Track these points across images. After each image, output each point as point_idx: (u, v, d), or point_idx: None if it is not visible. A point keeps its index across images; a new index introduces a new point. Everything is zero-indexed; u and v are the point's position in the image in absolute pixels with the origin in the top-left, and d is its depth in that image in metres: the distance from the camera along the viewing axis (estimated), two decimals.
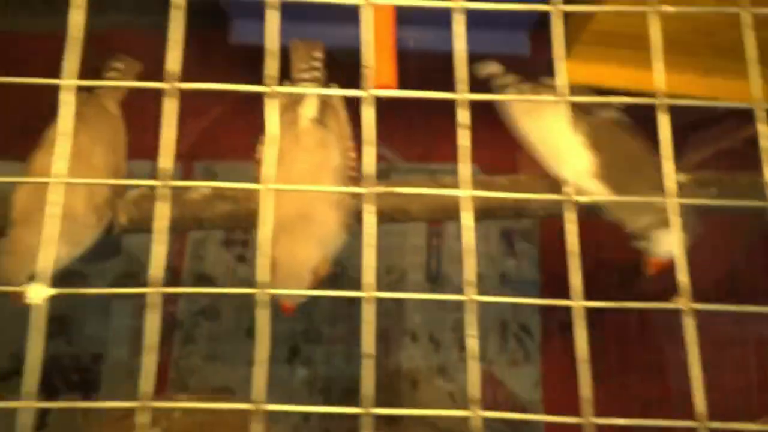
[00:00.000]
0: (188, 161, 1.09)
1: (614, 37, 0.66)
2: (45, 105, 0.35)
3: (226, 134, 1.02)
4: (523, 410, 1.04)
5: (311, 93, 0.53)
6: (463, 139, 0.26)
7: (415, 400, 1.07)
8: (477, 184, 0.37)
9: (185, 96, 0.25)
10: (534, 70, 0.61)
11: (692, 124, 0.76)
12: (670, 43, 0.29)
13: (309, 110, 0.54)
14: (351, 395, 0.98)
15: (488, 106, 0.45)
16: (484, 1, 0.27)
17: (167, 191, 0.25)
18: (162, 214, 0.25)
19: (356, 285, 0.26)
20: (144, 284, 0.25)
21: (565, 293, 0.26)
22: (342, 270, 1.03)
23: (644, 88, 0.61)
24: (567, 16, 0.28)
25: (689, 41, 0.59)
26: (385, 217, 0.48)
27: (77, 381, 1.03)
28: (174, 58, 0.25)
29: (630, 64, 0.66)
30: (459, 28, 0.27)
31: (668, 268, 0.37)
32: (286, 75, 0.53)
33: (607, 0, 0.65)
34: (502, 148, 0.65)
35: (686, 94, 0.65)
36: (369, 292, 0.25)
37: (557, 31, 0.28)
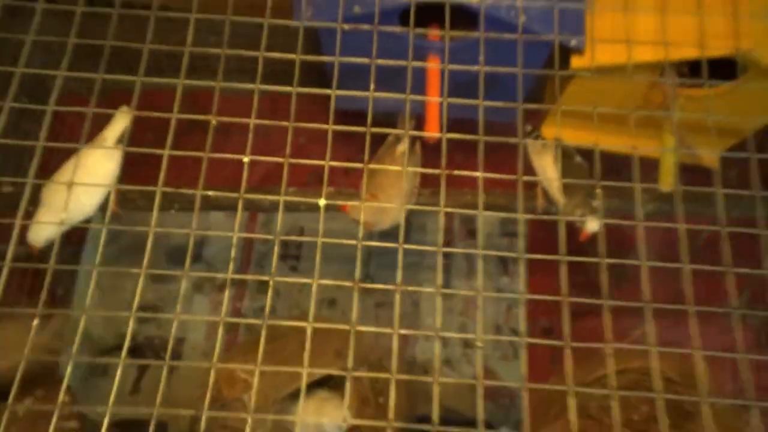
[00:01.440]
0: None
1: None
2: None
3: None
4: (511, 397, 1.31)
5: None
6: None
7: (427, 384, 1.33)
8: None
9: None
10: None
11: None
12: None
13: (402, 147, 0.84)
14: None
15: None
16: None
17: None
18: None
19: None
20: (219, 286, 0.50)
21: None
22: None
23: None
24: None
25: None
26: None
27: (164, 357, 1.31)
28: None
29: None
30: None
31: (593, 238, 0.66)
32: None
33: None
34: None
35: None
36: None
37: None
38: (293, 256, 1.37)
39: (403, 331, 0.55)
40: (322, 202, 0.58)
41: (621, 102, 0.78)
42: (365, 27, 0.65)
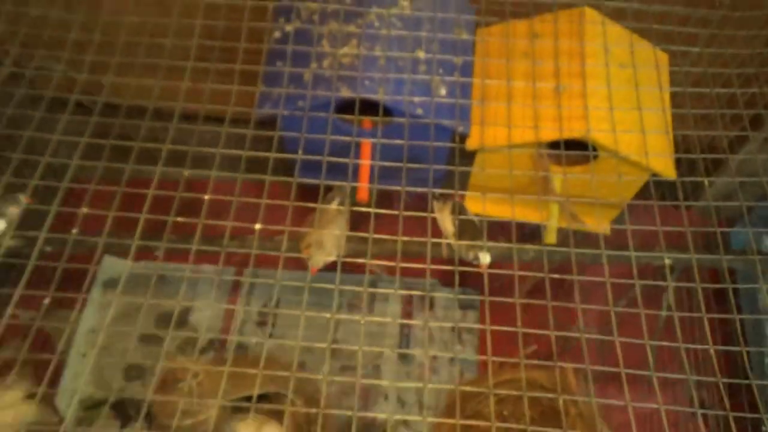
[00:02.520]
0: None
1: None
2: None
3: None
4: None
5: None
6: None
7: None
8: None
9: None
10: None
11: None
12: None
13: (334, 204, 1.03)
14: None
15: None
16: None
17: None
18: None
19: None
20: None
21: None
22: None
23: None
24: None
25: None
26: None
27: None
28: None
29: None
30: None
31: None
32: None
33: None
34: None
35: None
36: None
37: None
38: (270, 324, 1.53)
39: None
40: (257, 225, 0.77)
41: (516, 179, 0.99)
42: (320, 113, 0.87)
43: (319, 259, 0.84)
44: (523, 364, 0.69)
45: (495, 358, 0.77)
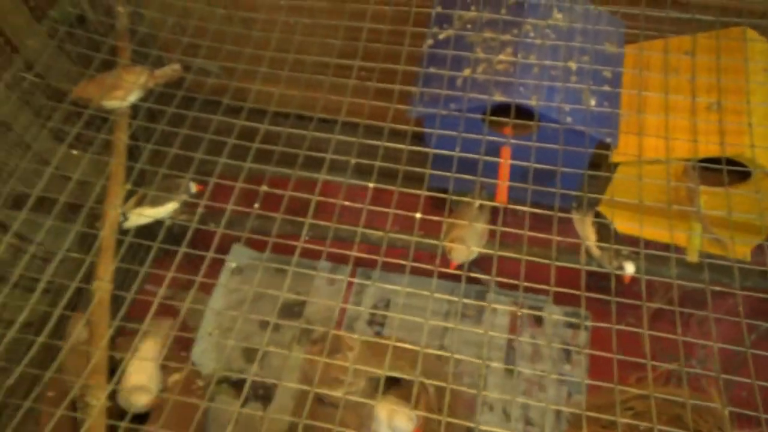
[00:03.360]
0: None
1: None
2: None
3: None
4: None
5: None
6: None
7: None
8: None
9: None
10: None
11: None
12: None
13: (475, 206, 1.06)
14: None
15: None
16: None
17: None
18: None
19: None
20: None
21: None
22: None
23: None
24: None
25: None
26: None
27: (261, 394, 1.54)
28: None
29: None
30: None
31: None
32: None
33: None
34: None
35: None
36: None
37: None
38: (379, 323, 1.58)
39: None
40: (418, 215, 0.81)
41: (655, 196, 0.98)
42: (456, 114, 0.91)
43: (460, 254, 0.87)
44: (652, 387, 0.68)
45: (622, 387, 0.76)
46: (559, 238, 0.79)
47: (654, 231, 1.10)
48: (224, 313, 1.56)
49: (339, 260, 1.62)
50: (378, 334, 1.54)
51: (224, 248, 1.62)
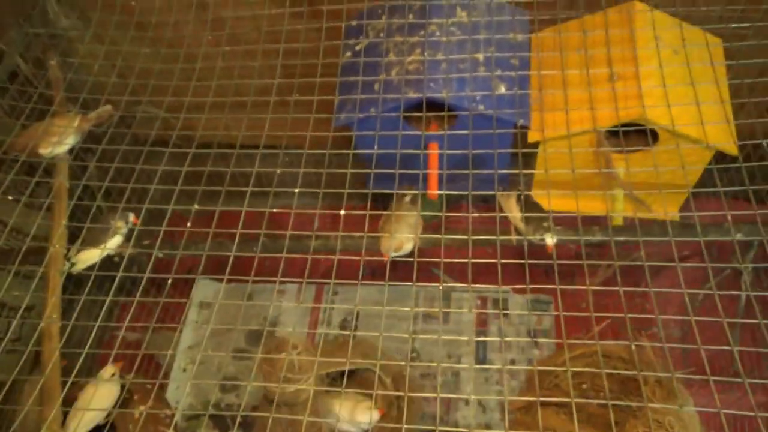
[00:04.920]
0: None
1: None
2: None
3: None
4: None
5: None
6: None
7: None
8: None
9: None
10: None
11: None
12: None
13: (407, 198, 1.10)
14: None
15: None
16: None
17: None
18: None
19: None
20: None
21: None
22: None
23: None
24: None
25: None
26: None
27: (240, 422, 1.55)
28: None
29: None
30: None
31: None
32: None
33: None
34: None
35: None
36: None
37: None
38: (349, 336, 1.60)
39: None
40: (342, 212, 0.85)
41: (579, 171, 1.03)
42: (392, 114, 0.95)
43: (390, 247, 0.91)
44: (597, 340, 0.71)
45: (570, 341, 0.79)
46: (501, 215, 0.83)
47: (587, 204, 1.15)
48: (196, 348, 1.57)
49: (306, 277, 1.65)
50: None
51: (188, 284, 1.64)
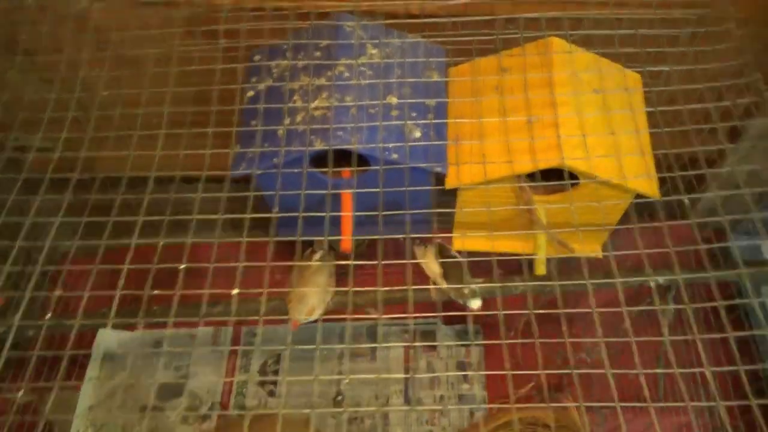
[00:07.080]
0: None
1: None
2: None
3: None
4: None
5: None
6: None
7: None
8: None
9: None
10: None
11: None
12: None
13: (317, 257, 1.01)
14: None
15: None
16: None
17: None
18: None
19: None
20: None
21: None
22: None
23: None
24: None
25: None
26: None
27: None
28: None
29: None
30: None
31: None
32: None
33: None
34: None
35: None
36: None
37: None
38: (271, 382, 1.49)
39: None
40: (235, 291, 0.74)
41: (500, 213, 0.98)
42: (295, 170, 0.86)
43: (300, 313, 0.82)
44: (515, 407, 0.66)
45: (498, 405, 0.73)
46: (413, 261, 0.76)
47: (511, 245, 1.10)
48: (96, 408, 1.42)
49: (220, 323, 1.53)
50: (271, 393, 1.46)
51: (87, 337, 1.49)
